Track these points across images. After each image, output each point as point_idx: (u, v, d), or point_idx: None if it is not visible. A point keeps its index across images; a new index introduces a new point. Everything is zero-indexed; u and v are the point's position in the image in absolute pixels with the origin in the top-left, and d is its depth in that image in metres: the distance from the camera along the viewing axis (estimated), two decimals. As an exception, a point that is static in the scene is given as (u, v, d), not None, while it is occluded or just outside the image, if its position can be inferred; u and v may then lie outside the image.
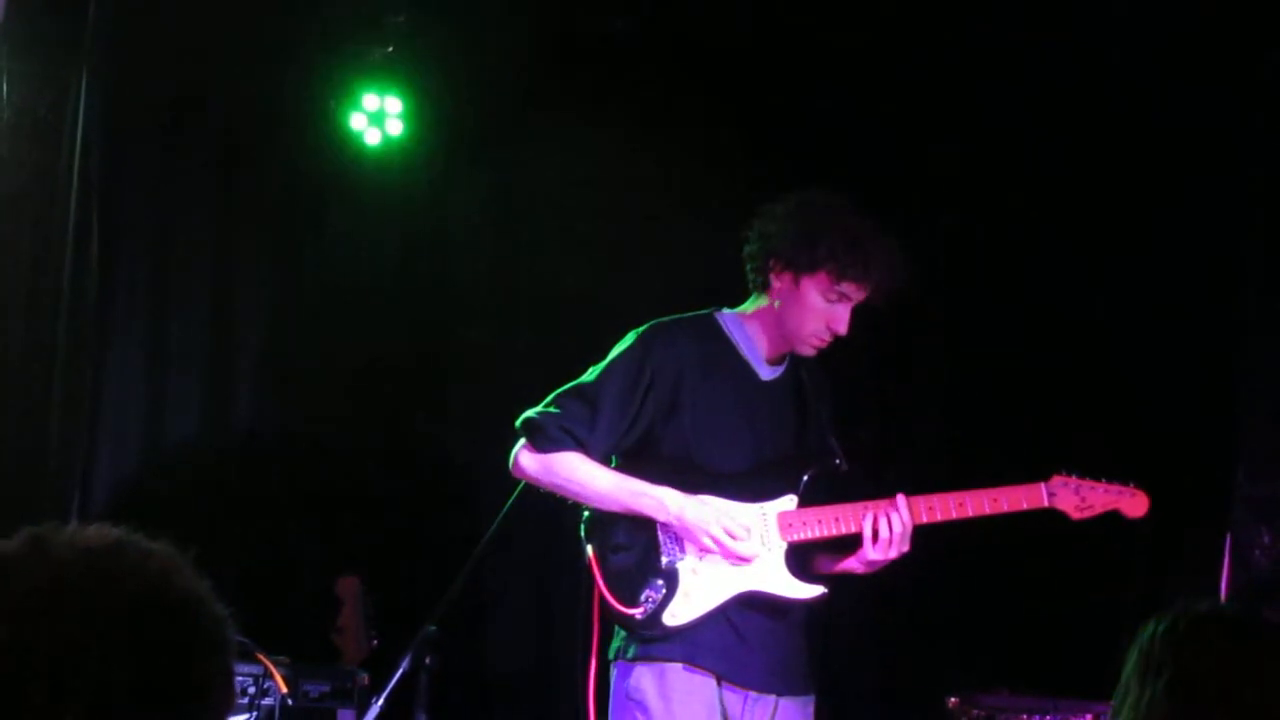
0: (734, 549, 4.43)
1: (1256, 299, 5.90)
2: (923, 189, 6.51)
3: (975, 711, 5.52)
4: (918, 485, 4.54)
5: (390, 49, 6.86)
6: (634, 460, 4.56)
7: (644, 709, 4.42)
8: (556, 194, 6.94)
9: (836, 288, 4.51)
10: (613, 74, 6.86)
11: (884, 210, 6.24)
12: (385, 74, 6.92)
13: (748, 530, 4.46)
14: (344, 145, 6.97)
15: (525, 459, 4.56)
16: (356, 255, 7.12)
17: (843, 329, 4.55)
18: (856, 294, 4.53)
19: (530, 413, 4.56)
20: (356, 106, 6.93)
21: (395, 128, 6.97)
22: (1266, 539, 5.65)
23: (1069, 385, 6.40)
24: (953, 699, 5.61)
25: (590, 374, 4.57)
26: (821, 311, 4.54)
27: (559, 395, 4.56)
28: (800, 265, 4.52)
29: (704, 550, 4.46)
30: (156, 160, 6.78)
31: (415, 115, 7.00)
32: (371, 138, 6.96)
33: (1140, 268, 6.24)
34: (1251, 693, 2.55)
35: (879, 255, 4.50)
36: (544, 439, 4.51)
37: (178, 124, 6.82)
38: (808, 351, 4.62)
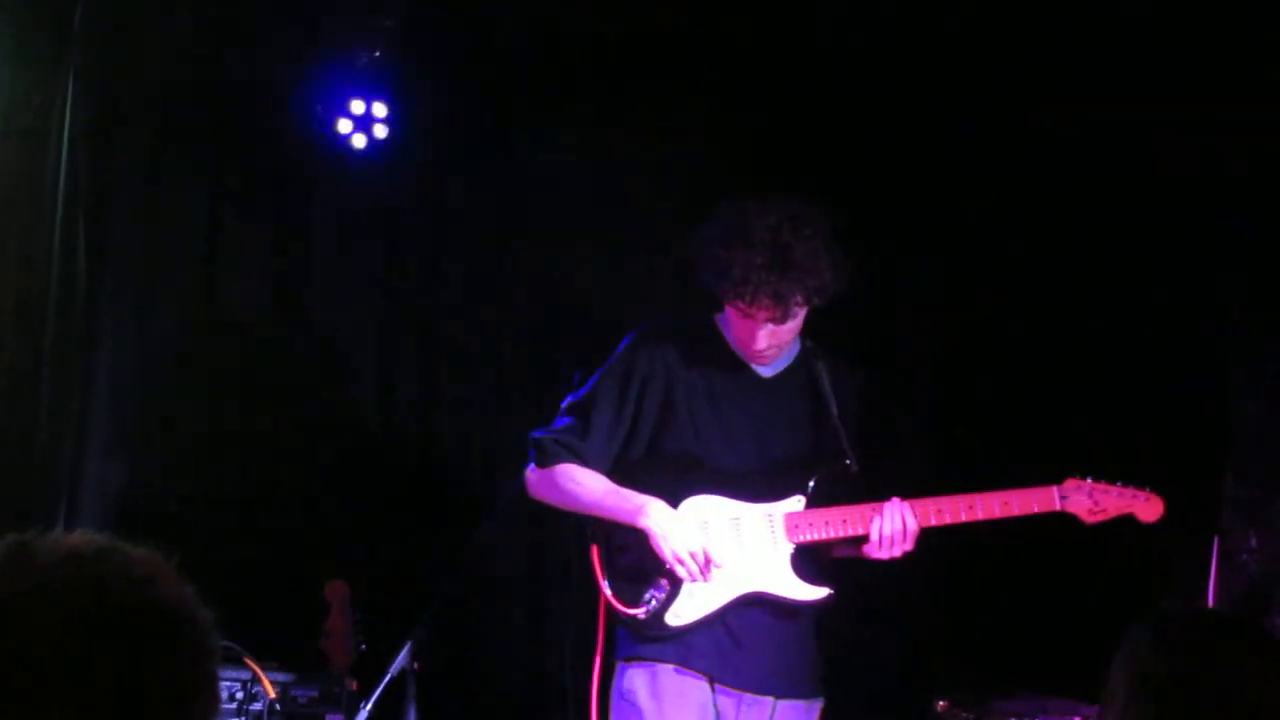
0: (679, 574, 4.43)
1: (1247, 300, 5.90)
2: (925, 192, 6.51)
3: (964, 714, 5.51)
4: (919, 488, 4.54)
5: (377, 53, 6.85)
6: (643, 467, 4.57)
7: (636, 710, 4.43)
8: (544, 199, 6.94)
9: (733, 306, 4.48)
10: (602, 80, 6.86)
11: (885, 213, 6.29)
12: (372, 78, 6.90)
13: (708, 563, 4.43)
14: (330, 150, 6.95)
15: (531, 478, 4.62)
16: (343, 259, 7.11)
17: (754, 345, 4.50)
18: (755, 313, 4.42)
19: (534, 432, 4.59)
20: (343, 111, 6.91)
21: (382, 132, 6.96)
22: (1254, 542, 5.66)
23: (1060, 389, 6.40)
24: (941, 702, 5.61)
25: (586, 383, 4.59)
26: (741, 324, 4.51)
27: (560, 411, 4.59)
28: (707, 281, 4.49)
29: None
30: (143, 166, 6.76)
31: (402, 120, 6.98)
32: (358, 142, 6.95)
33: (1132, 273, 6.24)
34: (1239, 695, 2.55)
35: (763, 279, 4.33)
36: (543, 455, 4.56)
37: (164, 129, 6.80)
38: (754, 360, 4.59)
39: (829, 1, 6.58)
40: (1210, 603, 5.56)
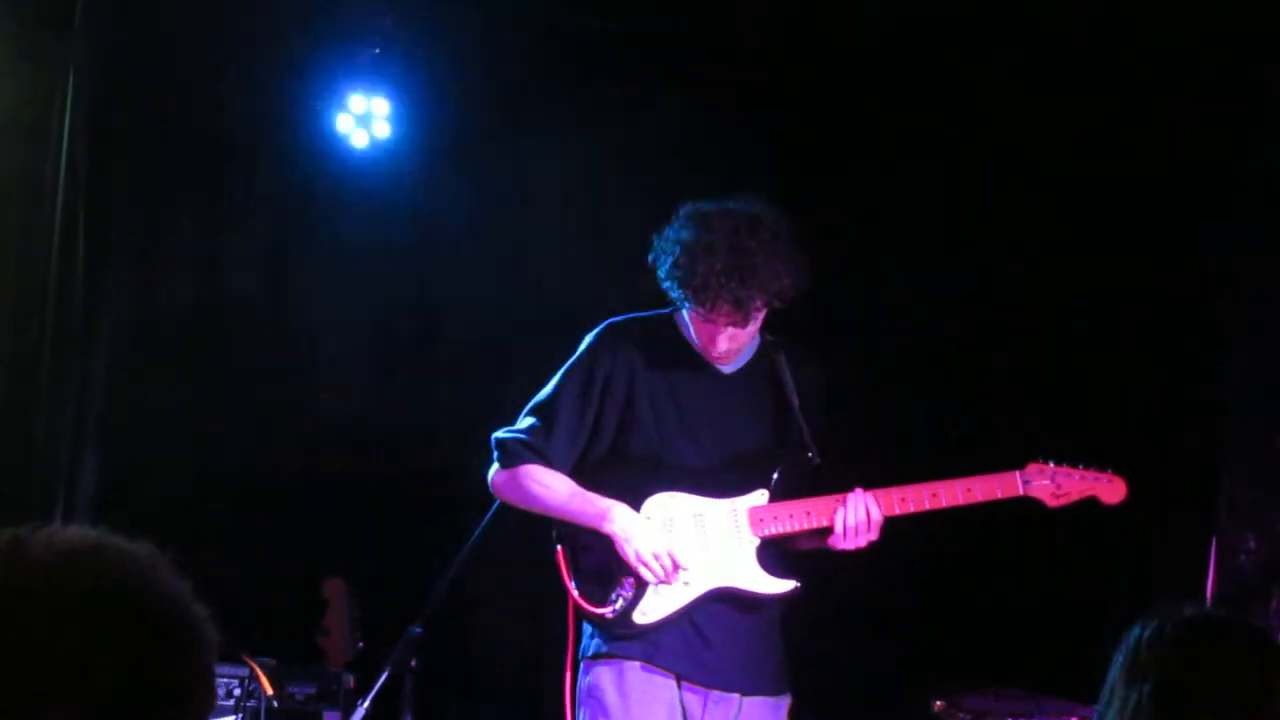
0: (644, 577, 4.43)
1: (1245, 299, 5.89)
2: (909, 184, 6.51)
3: (961, 714, 5.51)
4: (895, 477, 4.52)
5: (377, 50, 6.84)
6: (606, 466, 4.56)
7: (603, 707, 4.44)
8: (544, 196, 6.93)
9: (693, 312, 4.47)
10: (601, 75, 6.85)
11: (874, 205, 6.27)
12: (372, 76, 6.90)
13: (675, 566, 4.44)
14: (331, 147, 6.95)
15: (495, 478, 4.62)
16: (343, 257, 7.11)
17: (715, 348, 4.49)
18: (715, 319, 4.40)
19: (497, 432, 4.58)
20: (343, 108, 6.91)
21: (382, 130, 6.95)
22: (1251, 543, 5.65)
23: (1056, 385, 6.39)
24: (939, 702, 5.61)
25: (548, 383, 4.59)
26: (702, 327, 4.49)
27: (524, 411, 4.58)
28: (667, 285, 4.47)
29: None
30: (143, 161, 6.77)
31: (402, 117, 6.98)
32: (358, 140, 6.94)
33: (1128, 267, 6.23)
34: (1238, 698, 2.55)
35: (722, 285, 4.30)
36: (506, 456, 4.56)
37: (164, 125, 6.81)
38: (714, 360, 4.57)
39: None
40: (1207, 602, 5.56)
